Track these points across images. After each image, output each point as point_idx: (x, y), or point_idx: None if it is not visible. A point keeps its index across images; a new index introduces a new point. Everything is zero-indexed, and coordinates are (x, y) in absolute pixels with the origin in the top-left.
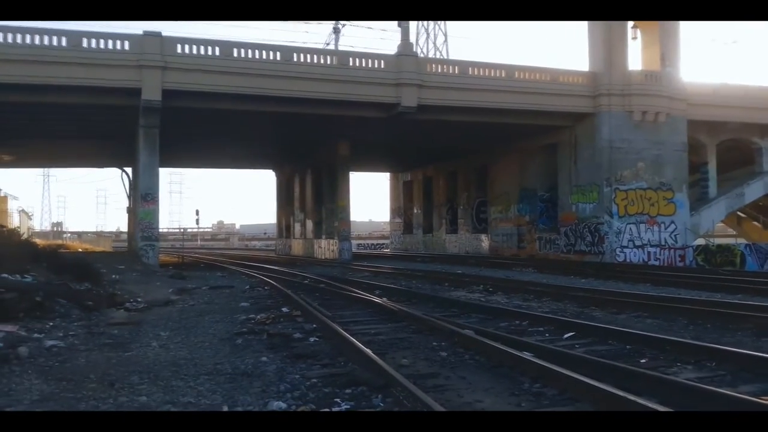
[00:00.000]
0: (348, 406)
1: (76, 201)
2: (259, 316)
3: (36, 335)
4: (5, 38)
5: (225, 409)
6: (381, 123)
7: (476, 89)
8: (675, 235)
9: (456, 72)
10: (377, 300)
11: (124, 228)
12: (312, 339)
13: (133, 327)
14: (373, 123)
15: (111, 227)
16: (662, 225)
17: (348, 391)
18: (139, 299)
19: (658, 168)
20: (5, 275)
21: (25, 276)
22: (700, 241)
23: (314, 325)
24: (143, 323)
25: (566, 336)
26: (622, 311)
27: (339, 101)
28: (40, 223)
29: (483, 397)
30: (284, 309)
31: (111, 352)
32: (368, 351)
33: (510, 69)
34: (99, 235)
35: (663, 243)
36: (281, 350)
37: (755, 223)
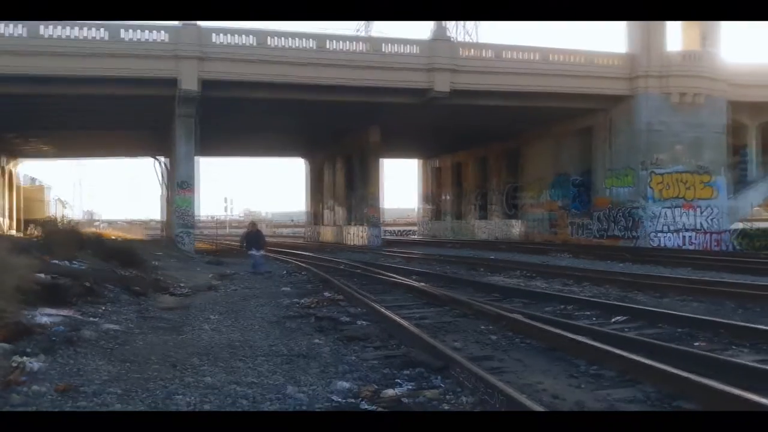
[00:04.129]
0: (410, 387)
1: (106, 190)
2: (303, 301)
3: (91, 319)
4: (48, 31)
5: (289, 389)
6: (412, 109)
7: (510, 73)
8: (712, 219)
9: (490, 56)
10: (416, 284)
11: (154, 216)
12: (360, 322)
13: (183, 311)
14: (405, 109)
15: (141, 216)
16: (698, 209)
17: (406, 372)
18: (182, 284)
19: (696, 151)
20: (56, 261)
21: (74, 262)
22: (739, 225)
23: (359, 309)
24: (191, 307)
25: (614, 320)
26: (665, 295)
27: (372, 88)
28: (73, 211)
29: (542, 378)
30: (326, 293)
31: (166, 335)
32: (422, 333)
33: (545, 52)
34: (131, 223)
35: (699, 227)
36: (331, 333)
37: None
